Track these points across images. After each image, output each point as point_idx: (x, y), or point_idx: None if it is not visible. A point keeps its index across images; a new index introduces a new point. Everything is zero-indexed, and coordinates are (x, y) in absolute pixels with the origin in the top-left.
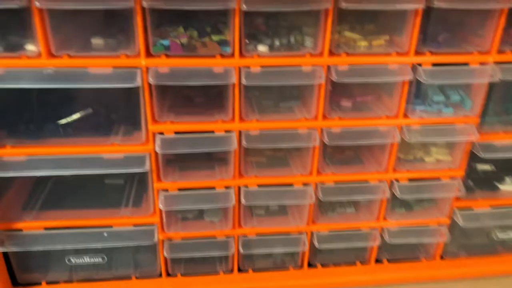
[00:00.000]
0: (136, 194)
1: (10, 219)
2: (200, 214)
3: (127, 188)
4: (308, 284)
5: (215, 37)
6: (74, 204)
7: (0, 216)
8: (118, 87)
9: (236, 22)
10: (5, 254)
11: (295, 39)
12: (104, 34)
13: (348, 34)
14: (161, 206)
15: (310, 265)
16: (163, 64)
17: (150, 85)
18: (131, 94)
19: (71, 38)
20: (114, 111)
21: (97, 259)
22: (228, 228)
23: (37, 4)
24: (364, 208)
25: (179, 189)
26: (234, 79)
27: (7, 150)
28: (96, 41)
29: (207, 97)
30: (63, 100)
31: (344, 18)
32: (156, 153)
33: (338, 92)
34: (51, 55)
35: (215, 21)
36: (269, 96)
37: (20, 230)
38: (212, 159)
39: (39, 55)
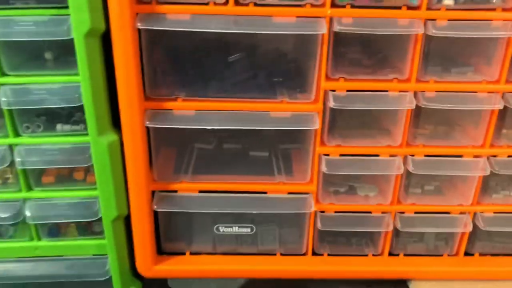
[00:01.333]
0: (284, 165)
1: (166, 180)
2: (352, 189)
3: (274, 160)
4: (464, 272)
5: None
6: (225, 171)
7: (157, 177)
8: (300, 35)
9: None
10: (155, 221)
11: None
12: None
13: None
14: (324, 169)
15: (466, 254)
16: (349, 14)
17: (330, 37)
18: (302, 52)
19: None
20: (280, 73)
21: (246, 230)
22: (386, 203)
23: None
24: None
25: (341, 155)
26: (421, 30)
27: (179, 103)
28: None
29: (377, 59)
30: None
31: None
32: (323, 114)
33: None
34: (237, 2)
35: None
36: (440, 61)
37: (175, 191)
38: (373, 129)
39: (226, 2)
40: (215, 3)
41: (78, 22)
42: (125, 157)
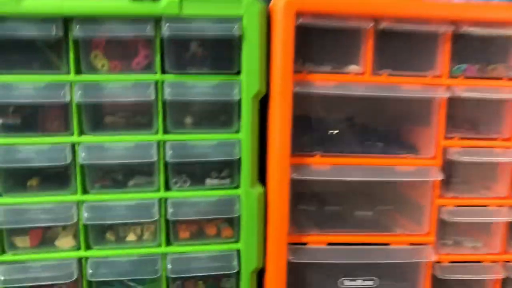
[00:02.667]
0: (393, 223)
1: (296, 233)
2: (458, 242)
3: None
4: None
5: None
6: (346, 226)
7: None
8: (424, 98)
9: None
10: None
11: None
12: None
13: None
14: (446, 217)
15: None
16: (462, 83)
17: (447, 101)
18: (424, 115)
19: (386, 60)
20: (403, 133)
21: (369, 282)
22: (495, 252)
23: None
24: None
25: (456, 206)
26: None
27: (317, 159)
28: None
29: (483, 120)
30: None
31: None
32: (441, 169)
33: None
34: (372, 73)
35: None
36: None
37: (305, 243)
38: (478, 182)
39: (363, 73)
40: (355, 74)
41: (249, 86)
42: (269, 208)
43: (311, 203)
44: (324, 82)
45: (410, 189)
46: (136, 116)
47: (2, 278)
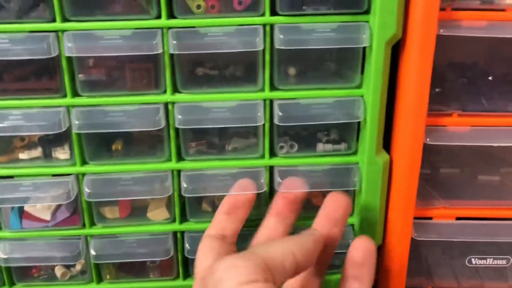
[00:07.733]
0: None
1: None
2: None
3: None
4: None
5: None
6: (472, 195)
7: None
8: None
9: None
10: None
11: None
12: None
13: None
14: None
15: None
16: None
17: None
18: None
19: None
20: None
21: (502, 261)
22: None
23: None
24: None
25: None
26: None
27: (454, 118)
28: None
29: None
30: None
31: None
32: None
33: None
34: None
35: None
36: None
37: (430, 218)
38: None
39: None
40: None
41: (382, 28)
42: (393, 180)
43: (423, 164)
44: (473, 22)
45: None
46: (229, 67)
47: (94, 253)
